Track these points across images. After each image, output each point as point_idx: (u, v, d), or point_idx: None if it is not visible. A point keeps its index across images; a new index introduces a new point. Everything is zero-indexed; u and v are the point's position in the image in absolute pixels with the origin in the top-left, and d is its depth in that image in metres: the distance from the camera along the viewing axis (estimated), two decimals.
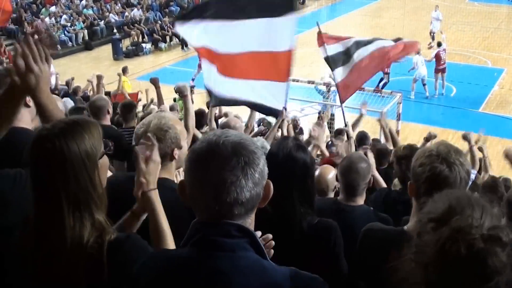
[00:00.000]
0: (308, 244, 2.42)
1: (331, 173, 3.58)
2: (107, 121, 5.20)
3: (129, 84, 14.79)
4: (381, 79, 16.18)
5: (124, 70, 15.03)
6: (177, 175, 3.04)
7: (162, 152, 2.31)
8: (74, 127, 1.71)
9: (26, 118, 2.62)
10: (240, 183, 1.40)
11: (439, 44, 16.31)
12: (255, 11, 5.43)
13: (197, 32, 5.22)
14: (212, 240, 1.43)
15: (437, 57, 15.70)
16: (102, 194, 1.74)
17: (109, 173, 2.29)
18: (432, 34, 20.62)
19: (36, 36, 1.92)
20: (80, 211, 1.67)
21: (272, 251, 1.93)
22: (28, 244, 1.70)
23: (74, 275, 1.64)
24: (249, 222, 1.49)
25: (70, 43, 22.45)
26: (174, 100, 12.77)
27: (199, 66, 17.54)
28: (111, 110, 5.33)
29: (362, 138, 7.92)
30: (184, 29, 5.22)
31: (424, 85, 15.78)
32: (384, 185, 4.46)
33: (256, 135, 7.50)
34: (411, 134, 7.66)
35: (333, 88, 11.75)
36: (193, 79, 17.23)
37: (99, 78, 9.00)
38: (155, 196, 1.98)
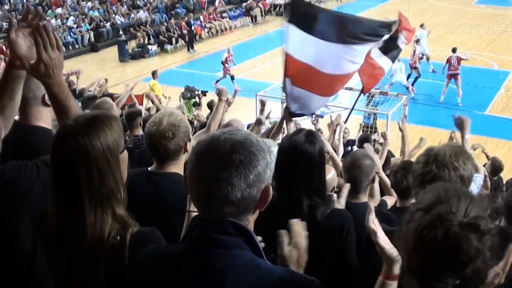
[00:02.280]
0: (321, 233, 2.36)
1: (330, 174, 3.56)
2: None
3: (159, 88, 14.46)
4: (409, 75, 16.36)
5: (154, 74, 14.64)
6: None
7: (177, 146, 2.49)
8: (96, 123, 1.68)
9: (46, 118, 2.63)
10: (232, 181, 1.40)
11: (453, 50, 16.11)
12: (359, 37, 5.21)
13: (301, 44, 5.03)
14: (209, 237, 1.43)
15: (448, 62, 15.67)
16: (123, 188, 1.72)
17: None
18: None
19: (39, 21, 1.88)
20: (102, 207, 1.65)
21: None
22: (48, 242, 1.70)
23: (94, 268, 1.63)
24: (246, 223, 1.47)
25: (76, 45, 22.49)
26: (180, 100, 12.75)
27: (226, 70, 17.60)
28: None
29: (364, 140, 7.90)
30: (291, 32, 4.97)
31: (407, 88, 15.81)
32: (377, 193, 4.40)
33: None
34: (417, 137, 7.63)
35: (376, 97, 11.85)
36: (217, 81, 17.33)
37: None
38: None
